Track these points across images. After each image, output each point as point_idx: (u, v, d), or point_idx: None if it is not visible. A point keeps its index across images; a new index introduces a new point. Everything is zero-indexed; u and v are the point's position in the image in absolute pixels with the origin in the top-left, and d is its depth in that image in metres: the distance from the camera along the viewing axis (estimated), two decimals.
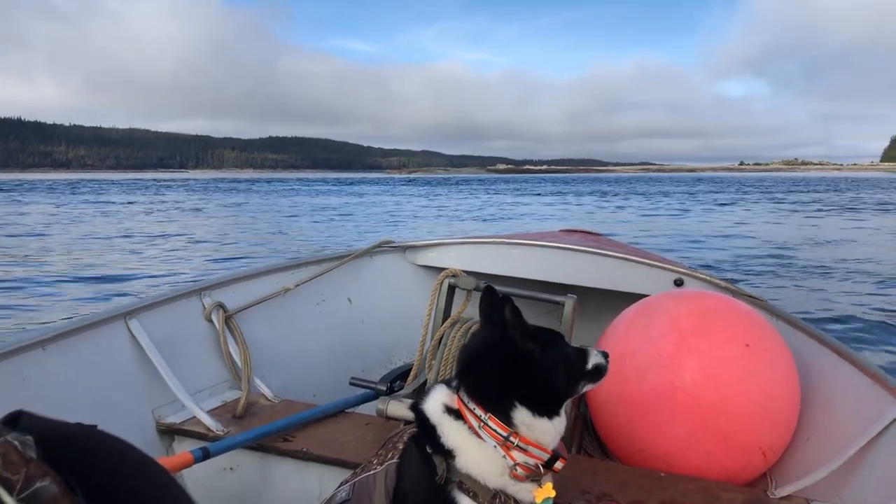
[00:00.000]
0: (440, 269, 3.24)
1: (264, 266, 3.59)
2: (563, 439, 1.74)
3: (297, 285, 3.52)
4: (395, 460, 1.68)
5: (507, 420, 1.58)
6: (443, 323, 2.97)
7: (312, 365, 3.60)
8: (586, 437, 2.98)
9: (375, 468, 1.70)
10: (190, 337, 3.00)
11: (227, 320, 3.11)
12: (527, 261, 3.97)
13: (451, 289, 3.14)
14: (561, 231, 5.21)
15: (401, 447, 1.70)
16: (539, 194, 60.84)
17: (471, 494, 1.55)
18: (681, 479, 2.34)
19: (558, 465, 1.63)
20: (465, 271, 3.16)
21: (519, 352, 1.62)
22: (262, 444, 2.53)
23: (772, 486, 2.37)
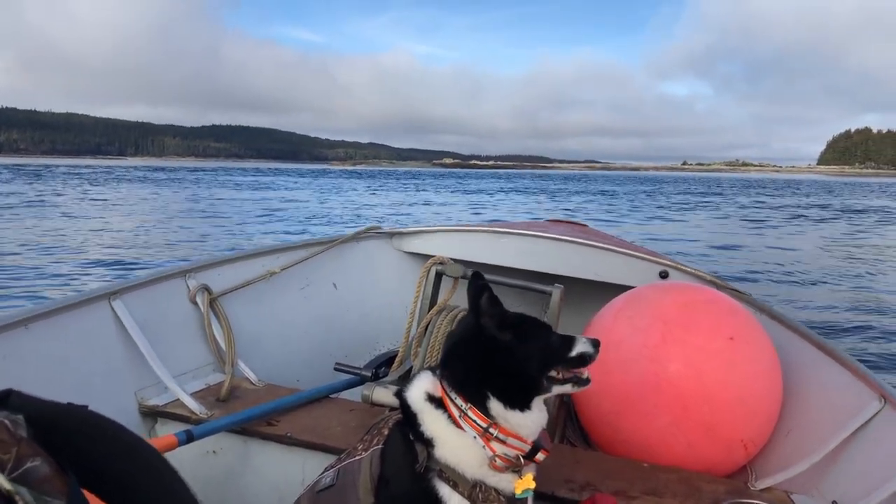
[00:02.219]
0: (426, 257, 3.23)
1: (250, 249, 3.57)
2: (546, 429, 1.73)
3: (283, 269, 3.50)
4: (380, 446, 1.67)
5: (484, 411, 1.57)
6: (429, 310, 2.97)
7: (297, 349, 3.59)
8: (569, 426, 2.99)
9: (360, 454, 1.69)
10: (174, 319, 2.97)
11: (212, 303, 3.09)
12: (514, 250, 3.98)
13: (438, 276, 3.14)
14: (548, 221, 5.22)
15: (386, 433, 1.70)
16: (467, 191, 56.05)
17: (451, 484, 1.54)
18: (663, 469, 2.36)
19: (540, 456, 1.62)
20: (451, 259, 3.16)
21: (492, 342, 1.59)
22: (246, 429, 2.52)
23: (752, 479, 2.40)
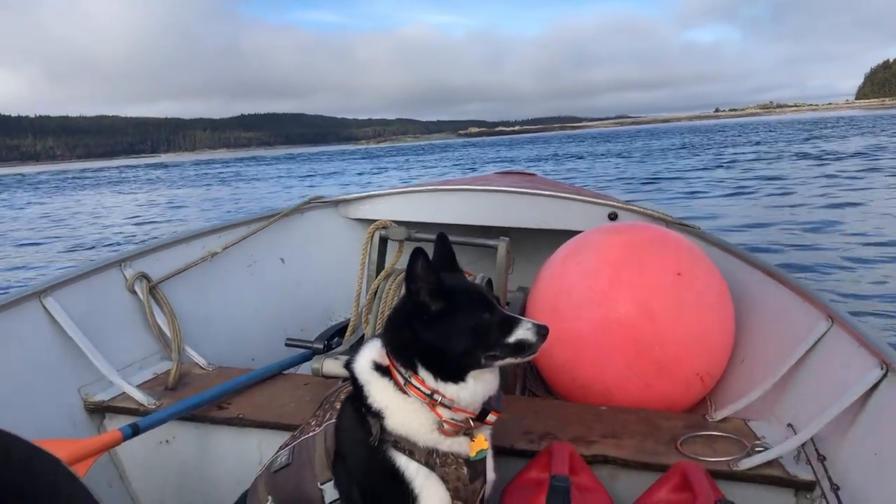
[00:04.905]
0: (374, 222, 3.17)
1: (188, 231, 3.45)
2: (506, 382, 1.69)
3: (225, 248, 3.40)
4: (332, 420, 1.64)
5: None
6: (377, 276, 2.91)
7: (248, 329, 3.51)
8: (530, 377, 2.99)
9: (314, 430, 1.66)
10: (113, 311, 2.86)
11: (152, 290, 2.98)
12: (460, 206, 3.93)
13: (384, 241, 3.08)
14: (496, 174, 5.17)
15: (338, 406, 1.66)
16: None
17: (406, 452, 1.53)
18: (622, 411, 2.37)
19: (491, 417, 1.59)
20: (400, 221, 3.10)
21: (422, 309, 1.52)
22: (197, 415, 2.45)
23: (711, 410, 2.42)
